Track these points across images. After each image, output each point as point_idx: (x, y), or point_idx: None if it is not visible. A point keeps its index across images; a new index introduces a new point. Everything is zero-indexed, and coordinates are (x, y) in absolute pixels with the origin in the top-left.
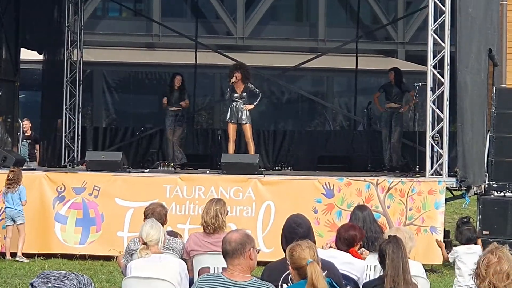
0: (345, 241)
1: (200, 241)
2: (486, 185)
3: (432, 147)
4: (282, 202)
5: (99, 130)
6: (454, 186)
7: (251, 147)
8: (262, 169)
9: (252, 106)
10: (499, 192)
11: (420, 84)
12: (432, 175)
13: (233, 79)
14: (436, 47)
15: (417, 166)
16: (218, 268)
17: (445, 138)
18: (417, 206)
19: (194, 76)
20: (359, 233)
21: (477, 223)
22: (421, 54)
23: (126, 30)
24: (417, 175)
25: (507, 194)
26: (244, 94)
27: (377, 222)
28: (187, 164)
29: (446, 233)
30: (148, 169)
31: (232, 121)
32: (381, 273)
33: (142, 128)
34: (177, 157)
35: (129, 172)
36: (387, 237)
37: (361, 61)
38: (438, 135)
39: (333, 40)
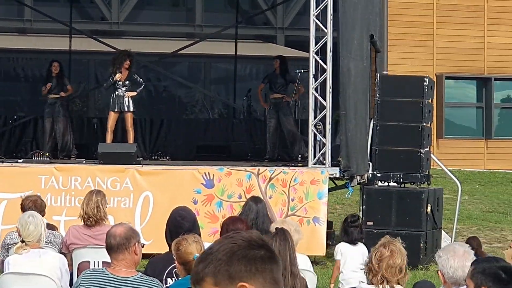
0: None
1: (80, 234)
2: (370, 175)
3: (315, 135)
4: (161, 193)
5: None
6: (338, 175)
7: (131, 136)
8: (140, 158)
9: (134, 93)
10: (383, 182)
11: (302, 70)
12: (314, 164)
13: (126, 66)
14: (318, 32)
15: (299, 156)
16: (98, 262)
17: (328, 127)
18: (300, 196)
19: (69, 63)
20: (246, 227)
21: (361, 213)
22: (301, 40)
23: None
24: (299, 164)
25: (391, 183)
26: (127, 82)
27: (269, 216)
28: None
29: (329, 224)
30: (22, 159)
31: (115, 110)
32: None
33: (15, 117)
34: (68, 148)
35: (2, 162)
36: (274, 230)
37: (240, 47)
38: (320, 123)
39: (211, 25)
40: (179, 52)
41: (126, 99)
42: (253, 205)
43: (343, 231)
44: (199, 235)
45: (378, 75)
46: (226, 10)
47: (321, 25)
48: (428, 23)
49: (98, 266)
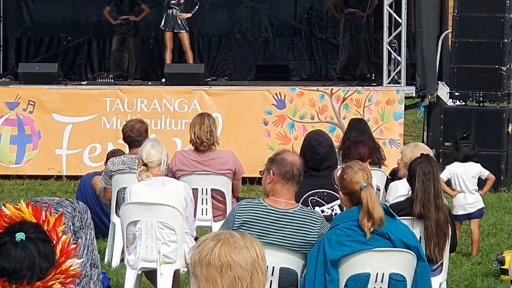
0: (355, 156)
1: (187, 160)
2: (436, 94)
3: (389, 53)
4: (230, 114)
5: (22, 40)
6: (414, 95)
7: (190, 57)
8: (208, 79)
9: (189, 15)
10: (460, 101)
11: None
12: (389, 83)
13: None
14: None
15: (373, 75)
16: (207, 189)
17: (403, 44)
18: (375, 117)
19: None
20: (368, 148)
21: (439, 133)
22: None
23: None
24: (373, 84)
25: (468, 103)
26: (182, 1)
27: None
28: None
29: None
30: (85, 81)
31: (168, 29)
32: (409, 194)
33: (69, 38)
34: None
35: (66, 84)
36: (419, 156)
37: None
38: (395, 41)
39: None
40: None
41: (181, 20)
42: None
43: (454, 148)
44: (336, 161)
45: None
46: None
47: None
48: None
49: (206, 194)
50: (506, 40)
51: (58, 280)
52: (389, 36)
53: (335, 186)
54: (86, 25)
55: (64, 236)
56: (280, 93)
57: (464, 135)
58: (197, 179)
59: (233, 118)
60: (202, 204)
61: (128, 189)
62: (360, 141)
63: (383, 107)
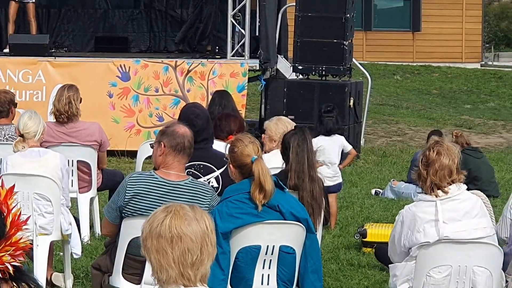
0: (226, 128)
1: (54, 131)
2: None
3: (233, 26)
4: None
5: None
6: (258, 68)
7: (34, 27)
8: (53, 50)
9: None
10: (303, 75)
11: None
12: (233, 56)
13: None
14: None
15: (217, 47)
16: (73, 161)
17: (247, 18)
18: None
19: None
20: (239, 122)
21: (282, 106)
22: None
23: None
24: (217, 56)
25: (310, 76)
26: None
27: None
28: None
29: None
30: None
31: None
32: (283, 167)
33: None
34: None
35: None
36: (294, 128)
37: None
38: (239, 14)
39: None
40: None
41: None
42: (217, 97)
43: (318, 121)
44: (213, 134)
45: None
46: None
47: None
48: None
49: (72, 165)
50: (348, 15)
51: (8, 252)
52: (234, 9)
53: (224, 159)
54: None
55: (14, 208)
56: (124, 65)
57: (329, 108)
58: (64, 150)
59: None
60: (68, 175)
61: (4, 160)
62: (230, 114)
63: (227, 80)
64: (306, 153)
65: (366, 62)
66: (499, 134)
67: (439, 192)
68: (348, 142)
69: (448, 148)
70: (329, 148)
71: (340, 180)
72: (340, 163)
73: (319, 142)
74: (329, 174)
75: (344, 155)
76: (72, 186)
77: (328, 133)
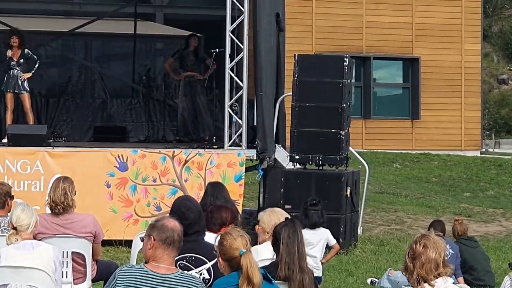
0: (218, 221)
1: (48, 223)
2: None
3: (231, 116)
4: (73, 176)
5: None
6: (255, 158)
7: (31, 118)
8: (50, 140)
9: (30, 75)
10: (300, 164)
11: (217, 50)
12: (230, 146)
13: (15, 44)
14: (235, 12)
15: (214, 137)
16: (68, 252)
17: (244, 108)
18: (216, 179)
19: None
20: (231, 213)
21: (280, 195)
22: (178, 18)
23: None
24: (214, 146)
25: (307, 166)
26: (21, 60)
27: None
28: None
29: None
30: None
31: (9, 90)
32: (274, 258)
33: None
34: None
35: None
36: (284, 219)
37: (121, 25)
38: (236, 104)
39: (89, 2)
40: (75, 30)
41: (22, 80)
42: (209, 188)
43: (303, 214)
44: (205, 227)
45: (296, 54)
46: None
47: (238, 3)
48: (307, 1)
49: (67, 257)
50: (344, 105)
51: None
52: (230, 99)
53: (214, 252)
54: None
55: None
56: (122, 155)
57: (314, 201)
58: (58, 241)
59: (76, 181)
60: (63, 267)
61: None
62: (222, 206)
63: (225, 170)
64: (297, 244)
65: (365, 150)
66: (499, 222)
67: (426, 285)
68: (344, 231)
69: (435, 241)
70: (314, 241)
71: (320, 274)
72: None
73: (304, 234)
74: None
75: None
76: (67, 277)
77: (313, 226)
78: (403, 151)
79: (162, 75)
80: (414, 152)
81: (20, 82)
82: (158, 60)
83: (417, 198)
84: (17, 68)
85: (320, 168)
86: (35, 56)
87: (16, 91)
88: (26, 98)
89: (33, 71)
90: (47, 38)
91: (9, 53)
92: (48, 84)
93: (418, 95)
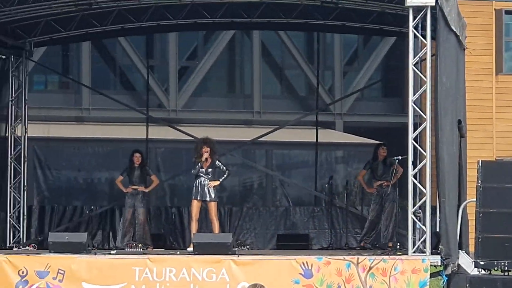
0: None
1: None
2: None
3: (414, 223)
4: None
5: (45, 209)
6: (439, 264)
7: (216, 226)
8: (235, 249)
9: (217, 183)
10: (485, 270)
11: (400, 157)
12: (414, 252)
13: (205, 155)
14: (416, 119)
15: (398, 243)
16: None
17: (428, 214)
18: (401, 286)
19: (146, 151)
20: None
21: None
22: (358, 126)
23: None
24: (398, 252)
25: (492, 272)
26: (210, 170)
27: None
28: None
29: None
30: (115, 250)
31: (198, 198)
32: None
33: (92, 207)
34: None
35: (95, 253)
36: None
37: (300, 134)
38: (420, 210)
39: (269, 111)
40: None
41: (210, 188)
42: None
43: None
44: None
45: (479, 161)
46: (283, 96)
47: (419, 111)
48: (488, 107)
49: None
50: None
51: None
52: (414, 205)
53: None
54: (100, 193)
55: None
56: (307, 262)
57: None
58: None
59: None
60: None
61: None
62: None
63: (409, 276)
64: None
65: None
66: None
67: None
68: None
69: None
70: None
71: None
72: None
73: None
74: None
75: None
76: None
77: None
78: None
79: (344, 183)
80: None
81: (207, 190)
82: (339, 168)
83: None
84: (205, 176)
85: (506, 273)
86: (224, 168)
87: (203, 199)
88: (212, 206)
89: (220, 180)
90: (229, 147)
91: (199, 161)
92: (230, 193)
93: None
